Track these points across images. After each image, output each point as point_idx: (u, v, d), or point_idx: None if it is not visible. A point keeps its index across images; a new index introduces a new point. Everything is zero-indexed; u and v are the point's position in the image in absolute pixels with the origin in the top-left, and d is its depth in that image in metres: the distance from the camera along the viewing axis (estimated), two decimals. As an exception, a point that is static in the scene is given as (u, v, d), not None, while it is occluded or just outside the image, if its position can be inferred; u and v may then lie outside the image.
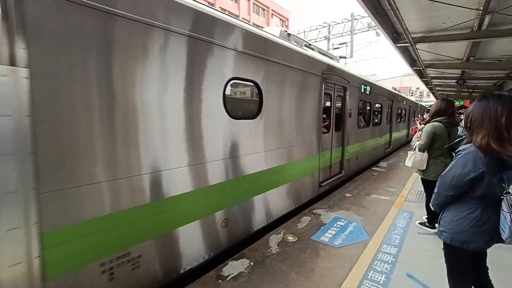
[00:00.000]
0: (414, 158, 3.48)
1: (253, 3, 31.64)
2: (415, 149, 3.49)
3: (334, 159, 5.67)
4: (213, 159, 2.73)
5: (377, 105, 8.65)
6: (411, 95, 30.81)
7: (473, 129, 1.62)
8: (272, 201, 3.79)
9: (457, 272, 1.82)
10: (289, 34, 4.62)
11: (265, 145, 3.49)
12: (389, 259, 2.99)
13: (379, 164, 8.52)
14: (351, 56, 16.20)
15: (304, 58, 4.19)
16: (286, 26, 37.22)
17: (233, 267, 2.80)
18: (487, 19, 5.33)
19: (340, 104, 5.91)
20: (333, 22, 18.46)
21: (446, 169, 1.74)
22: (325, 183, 5.27)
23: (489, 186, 1.56)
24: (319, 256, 3.06)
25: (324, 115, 5.23)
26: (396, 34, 7.27)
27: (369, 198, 5.16)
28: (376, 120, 8.73)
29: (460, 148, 1.70)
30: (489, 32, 5.92)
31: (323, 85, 4.76)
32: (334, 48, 17.93)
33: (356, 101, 6.42)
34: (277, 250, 3.18)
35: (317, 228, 3.78)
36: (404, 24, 5.84)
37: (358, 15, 16.79)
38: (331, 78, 5.02)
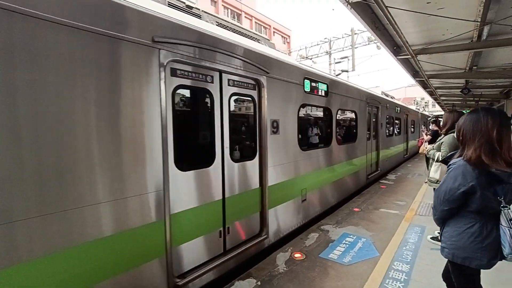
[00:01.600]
0: (441, 169, 3.41)
1: (255, 22, 32.76)
2: (437, 160, 3.44)
3: (236, 216, 3.09)
4: None
5: (345, 114, 6.15)
6: (416, 105, 30.58)
7: (465, 142, 1.63)
8: None
9: None
10: None
11: None
12: (401, 277, 2.87)
13: (387, 177, 8.36)
14: (353, 70, 16.41)
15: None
16: (288, 43, 38.20)
17: (240, 288, 2.73)
18: (486, 29, 5.38)
19: (253, 113, 3.34)
20: (333, 37, 18.90)
21: (440, 184, 1.73)
22: (193, 281, 2.52)
23: (483, 200, 1.54)
24: (328, 275, 2.96)
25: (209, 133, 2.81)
26: (396, 47, 7.37)
27: (378, 212, 5.03)
28: (346, 136, 6.16)
29: (451, 161, 1.70)
30: (489, 42, 5.96)
31: (166, 70, 2.30)
32: (336, 62, 18.24)
33: (294, 107, 4.00)
34: (285, 269, 3.09)
35: (325, 245, 3.68)
36: (404, 37, 5.93)
37: (358, 30, 17.16)
38: (204, 57, 2.59)
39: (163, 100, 2.27)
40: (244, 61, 3.09)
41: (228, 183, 2.96)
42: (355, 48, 17.14)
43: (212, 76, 2.78)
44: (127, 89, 2.06)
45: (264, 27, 34.49)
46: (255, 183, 3.34)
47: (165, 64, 2.27)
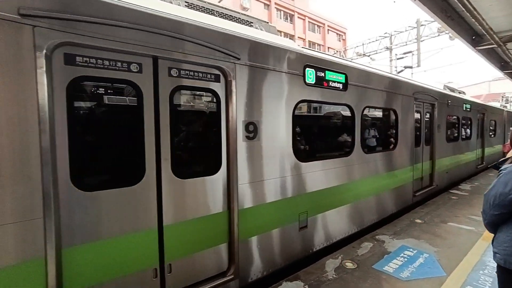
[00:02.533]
0: None
1: (309, 21, 32.14)
2: None
3: (184, 249, 2.40)
4: None
5: (378, 113, 4.91)
6: (505, 102, 25.05)
7: None
8: None
9: None
10: None
11: None
12: (475, 304, 2.48)
13: (459, 187, 7.25)
14: (418, 65, 14.61)
15: None
16: (344, 40, 36.41)
17: (286, 288, 2.75)
18: None
19: (216, 112, 2.59)
20: (395, 31, 17.16)
21: (489, 188, 1.70)
22: None
23: None
24: (382, 288, 2.75)
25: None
26: (476, 36, 6.36)
27: (446, 226, 4.42)
28: (378, 141, 4.75)
29: (502, 167, 1.69)
30: None
31: (54, 56, 1.77)
32: (398, 58, 16.51)
33: (287, 106, 3.10)
34: (334, 276, 2.99)
35: (380, 256, 3.42)
36: (487, 24, 5.10)
37: (425, 21, 15.19)
38: (123, 38, 1.99)
39: (44, 96, 1.67)
40: (197, 43, 2.32)
41: (168, 206, 2.24)
42: (421, 41, 15.24)
43: (139, 64, 2.09)
44: None
45: (317, 26, 33.59)
46: (219, 205, 2.54)
47: (45, 47, 1.68)
